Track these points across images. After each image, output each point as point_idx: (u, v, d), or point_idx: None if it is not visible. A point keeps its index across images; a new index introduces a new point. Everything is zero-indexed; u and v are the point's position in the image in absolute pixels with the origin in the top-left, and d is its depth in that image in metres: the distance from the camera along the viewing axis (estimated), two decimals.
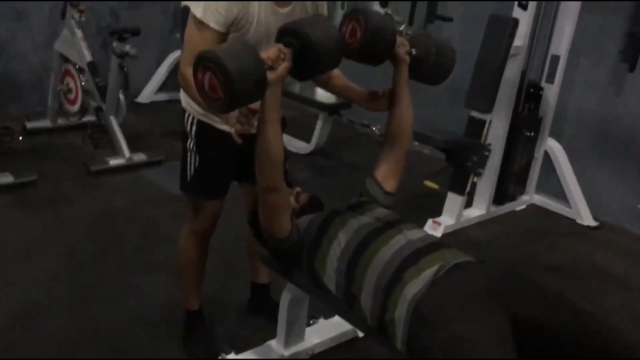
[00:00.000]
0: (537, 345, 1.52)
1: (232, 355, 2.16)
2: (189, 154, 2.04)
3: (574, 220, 3.68)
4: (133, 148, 3.81)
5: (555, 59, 3.57)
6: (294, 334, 2.23)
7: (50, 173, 3.57)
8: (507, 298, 1.54)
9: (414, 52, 1.92)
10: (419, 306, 1.52)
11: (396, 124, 1.95)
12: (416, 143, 3.99)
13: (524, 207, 3.82)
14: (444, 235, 3.34)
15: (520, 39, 3.24)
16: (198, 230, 2.17)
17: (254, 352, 2.21)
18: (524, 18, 3.21)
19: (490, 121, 3.34)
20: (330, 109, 4.19)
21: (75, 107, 3.99)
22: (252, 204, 2.10)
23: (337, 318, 2.39)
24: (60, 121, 4.21)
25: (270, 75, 1.57)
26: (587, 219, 3.66)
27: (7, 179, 3.33)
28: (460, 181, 3.37)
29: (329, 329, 2.37)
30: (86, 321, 2.37)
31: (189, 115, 2.01)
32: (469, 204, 3.58)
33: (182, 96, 2.01)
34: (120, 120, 3.81)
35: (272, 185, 1.72)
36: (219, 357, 2.14)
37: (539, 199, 3.86)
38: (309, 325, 2.37)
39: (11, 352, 2.15)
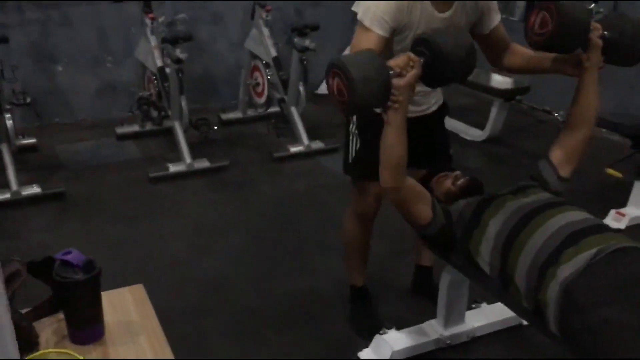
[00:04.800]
0: None
1: (393, 331, 2.26)
2: (351, 137, 2.17)
3: None
4: (311, 136, 4.07)
5: None
6: (454, 315, 2.26)
7: (239, 159, 3.96)
8: None
9: (607, 35, 1.84)
10: (570, 288, 1.48)
11: (579, 109, 1.89)
12: (603, 130, 3.75)
13: None
14: (629, 228, 3.10)
15: None
16: (361, 211, 2.29)
17: (414, 329, 2.29)
18: None
19: None
20: (506, 95, 4.08)
21: (262, 99, 4.37)
22: None
23: (500, 304, 2.38)
24: (250, 112, 4.64)
25: (397, 82, 1.65)
26: None
27: (204, 163, 3.77)
28: None
29: (491, 313, 2.37)
30: (267, 293, 2.63)
31: None
32: None
33: None
34: (301, 111, 4.10)
35: (392, 185, 1.77)
36: (380, 332, 2.25)
37: None
38: (471, 308, 2.39)
39: (207, 316, 2.47)
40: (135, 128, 4.31)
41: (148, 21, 3.84)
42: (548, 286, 1.55)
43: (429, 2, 1.87)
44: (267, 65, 4.21)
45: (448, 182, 1.99)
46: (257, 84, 4.38)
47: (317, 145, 4.07)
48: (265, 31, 4.17)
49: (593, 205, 3.23)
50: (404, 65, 1.67)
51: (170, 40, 3.55)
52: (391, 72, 1.65)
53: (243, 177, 3.76)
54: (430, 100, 2.16)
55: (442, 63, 1.68)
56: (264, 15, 4.16)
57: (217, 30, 4.88)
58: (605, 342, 1.37)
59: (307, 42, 3.85)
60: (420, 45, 1.72)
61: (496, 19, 2.03)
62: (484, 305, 2.42)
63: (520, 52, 2.07)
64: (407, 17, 1.86)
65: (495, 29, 2.04)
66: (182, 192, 3.54)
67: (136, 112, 4.03)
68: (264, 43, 4.17)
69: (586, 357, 1.42)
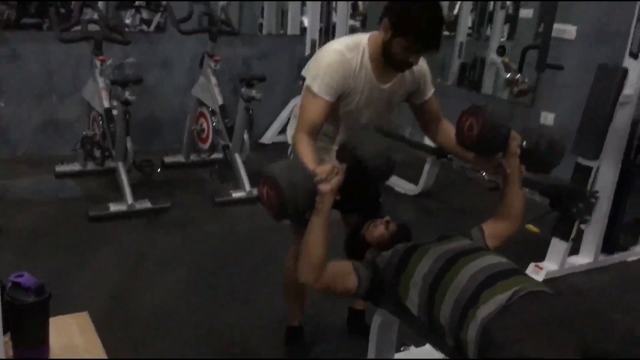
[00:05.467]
0: None
1: None
2: None
3: None
4: (254, 183, 4.18)
5: None
6: (383, 356, 2.37)
7: (181, 202, 4.02)
8: (578, 330, 1.61)
9: (524, 145, 2.06)
10: (488, 327, 1.63)
11: (505, 207, 2.09)
12: (526, 190, 4.04)
13: (636, 258, 3.70)
14: (546, 281, 3.32)
15: (631, 88, 3.23)
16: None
17: None
18: (635, 67, 3.20)
19: (598, 168, 3.33)
20: (438, 153, 4.32)
21: (206, 145, 4.47)
22: (348, 233, 2.33)
23: (427, 347, 2.51)
24: (193, 157, 4.72)
25: (323, 187, 1.80)
26: None
27: (146, 204, 3.81)
28: (565, 227, 3.36)
29: (418, 356, 2.50)
30: (207, 324, 2.70)
31: (292, 150, 2.29)
32: (575, 251, 3.55)
33: (288, 132, 2.31)
34: (244, 158, 4.22)
35: (310, 282, 1.89)
36: None
37: None
38: (400, 351, 2.51)
39: (146, 346, 2.50)
40: (76, 167, 4.30)
41: (97, 63, 3.91)
42: (469, 327, 1.69)
43: (372, 73, 2.08)
44: (213, 113, 4.34)
45: (381, 227, 2.14)
46: (202, 130, 4.49)
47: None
48: (213, 80, 4.31)
49: (515, 259, 3.48)
50: (329, 172, 1.82)
51: (120, 82, 3.63)
52: (317, 179, 1.80)
53: (185, 219, 3.81)
54: None
55: (362, 169, 1.85)
56: (212, 64, 4.31)
57: (165, 75, 5.00)
58: None
59: (253, 93, 4.01)
60: (344, 152, 1.90)
61: (430, 92, 2.25)
62: (412, 348, 2.54)
63: (450, 135, 2.22)
64: (352, 84, 2.06)
65: (428, 101, 2.26)
66: (123, 231, 3.56)
67: (79, 150, 4.05)
68: (211, 91, 4.31)
69: None
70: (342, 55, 2.03)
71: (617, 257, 3.64)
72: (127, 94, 3.60)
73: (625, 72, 3.17)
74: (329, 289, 1.94)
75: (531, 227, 3.45)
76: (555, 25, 4.26)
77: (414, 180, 4.59)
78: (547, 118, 4.49)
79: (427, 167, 4.45)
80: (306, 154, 2.00)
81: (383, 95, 2.15)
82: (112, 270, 3.09)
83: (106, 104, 3.85)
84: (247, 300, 2.92)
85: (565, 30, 4.23)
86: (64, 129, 4.64)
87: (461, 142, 2.08)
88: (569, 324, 1.63)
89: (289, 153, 2.33)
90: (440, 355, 2.40)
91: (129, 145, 3.78)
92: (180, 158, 4.76)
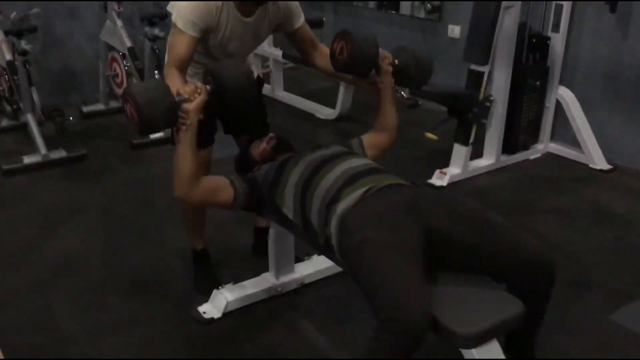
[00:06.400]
0: (446, 250, 1.75)
1: (230, 285, 2.49)
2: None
3: (587, 165, 3.75)
4: None
5: (559, 7, 3.64)
6: (283, 266, 2.53)
7: (99, 149, 4.05)
8: (426, 213, 1.77)
9: (396, 63, 2.20)
10: (343, 218, 1.78)
11: (380, 122, 2.25)
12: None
13: (538, 155, 3.92)
14: (451, 184, 3.52)
15: None
16: None
17: (249, 282, 2.53)
18: None
19: (490, 73, 3.47)
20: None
21: (122, 90, 4.45)
22: (238, 153, 2.44)
23: None
24: (113, 104, 4.70)
25: (186, 106, 1.90)
26: (600, 163, 3.72)
27: (61, 154, 3.83)
28: (464, 132, 3.53)
29: (319, 263, 2.66)
30: (115, 265, 2.78)
31: None
32: (479, 155, 3.73)
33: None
34: None
35: (184, 195, 1.98)
36: (219, 287, 2.48)
37: (555, 147, 3.95)
38: (303, 260, 2.66)
39: (54, 290, 2.59)
40: None
41: None
42: (331, 221, 1.84)
43: (235, 9, 2.15)
44: (124, 56, 4.30)
45: (263, 143, 2.27)
46: (116, 75, 4.46)
47: None
48: (119, 22, 4.25)
49: (423, 167, 3.66)
50: (192, 92, 1.92)
51: (14, 33, 3.57)
52: (180, 98, 1.90)
53: (101, 165, 3.85)
54: None
55: (224, 91, 1.96)
56: (116, 7, 4.25)
57: (74, 23, 4.90)
58: (365, 257, 1.66)
59: (156, 31, 3.99)
60: (208, 75, 2.01)
61: (298, 21, 2.32)
62: (314, 256, 2.70)
63: (328, 60, 2.27)
64: (216, 19, 2.13)
65: (299, 29, 2.33)
66: (38, 182, 3.59)
67: None
68: (118, 34, 4.26)
69: (355, 272, 1.71)
70: None
71: (518, 156, 3.84)
72: (23, 44, 3.56)
73: None
74: (205, 201, 2.07)
75: (430, 134, 3.61)
76: None
77: (333, 105, 4.69)
78: (454, 31, 4.61)
79: (341, 91, 4.54)
80: (174, 81, 2.07)
81: (248, 27, 2.24)
82: (22, 222, 3.13)
83: (8, 57, 3.78)
84: (157, 237, 3.00)
85: None
86: None
87: (335, 66, 2.20)
88: (414, 208, 1.78)
89: None
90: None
91: (35, 95, 3.76)
92: (99, 106, 4.74)
